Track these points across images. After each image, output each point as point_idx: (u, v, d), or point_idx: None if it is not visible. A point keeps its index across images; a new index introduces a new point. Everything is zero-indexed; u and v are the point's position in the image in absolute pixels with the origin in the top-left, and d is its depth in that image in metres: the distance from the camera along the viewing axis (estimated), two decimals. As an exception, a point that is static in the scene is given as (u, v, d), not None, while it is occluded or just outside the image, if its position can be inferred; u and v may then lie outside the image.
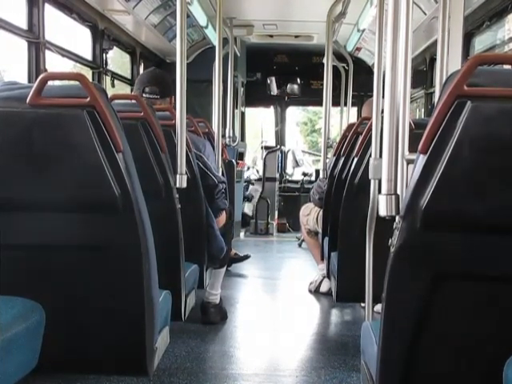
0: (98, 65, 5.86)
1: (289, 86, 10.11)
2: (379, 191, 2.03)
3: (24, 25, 4.33)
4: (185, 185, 3.15)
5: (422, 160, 1.74)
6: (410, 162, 1.92)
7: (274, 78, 10.15)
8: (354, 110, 9.84)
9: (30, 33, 4.34)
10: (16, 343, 1.92)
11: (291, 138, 12.81)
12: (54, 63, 4.86)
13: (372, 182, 2.94)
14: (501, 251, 1.79)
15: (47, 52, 4.53)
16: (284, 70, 10.29)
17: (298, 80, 10.14)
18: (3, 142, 2.10)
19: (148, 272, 2.24)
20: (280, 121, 10.75)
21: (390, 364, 1.94)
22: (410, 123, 2.02)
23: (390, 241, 1.86)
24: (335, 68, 6.96)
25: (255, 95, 10.27)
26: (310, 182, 9.48)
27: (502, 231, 1.77)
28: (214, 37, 7.03)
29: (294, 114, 17.86)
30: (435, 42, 3.24)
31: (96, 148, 2.07)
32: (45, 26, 4.44)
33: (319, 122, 18.80)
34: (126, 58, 7.18)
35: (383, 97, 2.05)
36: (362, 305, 4.35)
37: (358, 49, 8.57)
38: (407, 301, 1.86)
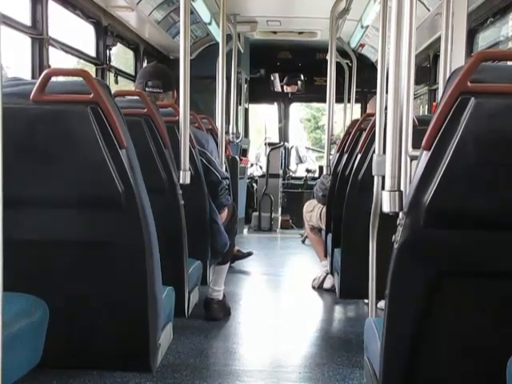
0: (101, 61, 5.87)
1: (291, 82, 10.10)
2: (383, 187, 2.03)
3: (28, 21, 4.33)
4: (188, 181, 3.15)
5: (425, 156, 1.74)
6: (413, 158, 1.92)
7: (277, 75, 10.14)
8: (358, 106, 9.84)
9: (33, 29, 4.35)
10: (19, 339, 1.92)
11: (295, 135, 12.82)
12: (58, 59, 4.87)
13: (375, 178, 2.94)
14: (504, 248, 1.79)
15: (51, 48, 4.53)
16: (287, 67, 10.28)
17: (302, 76, 10.14)
18: (7, 138, 2.09)
19: (151, 268, 2.25)
20: (283, 117, 10.73)
21: (393, 360, 1.94)
22: (413, 119, 2.02)
23: (393, 237, 1.86)
24: (339, 64, 6.95)
25: (259, 92, 10.27)
26: (314, 179, 9.46)
27: (506, 228, 1.77)
28: (217, 33, 7.04)
29: (298, 110, 17.89)
30: (439, 39, 3.24)
31: (99, 144, 2.08)
32: (48, 23, 4.44)
33: (323, 119, 18.81)
34: (130, 54, 7.19)
35: (387, 93, 2.05)
36: (366, 301, 4.35)
37: (362, 45, 8.56)
38: (410, 297, 1.86)
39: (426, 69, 6.97)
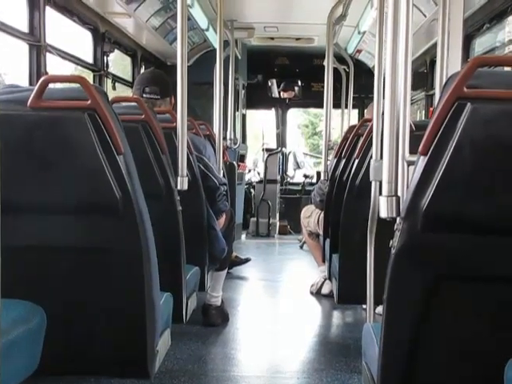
0: (99, 68, 5.87)
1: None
2: (380, 193, 2.03)
3: (25, 28, 4.33)
4: (186, 187, 3.15)
5: (422, 162, 1.74)
6: (410, 163, 1.92)
7: (274, 81, 10.16)
8: (355, 112, 9.85)
9: (31, 36, 4.35)
10: (17, 346, 1.92)
11: (292, 141, 12.84)
12: (55, 66, 4.87)
13: (373, 183, 2.94)
14: (501, 253, 1.79)
15: (48, 55, 4.54)
16: (285, 73, 10.30)
17: (299, 82, 10.15)
18: (4, 144, 2.10)
19: (149, 274, 2.25)
20: (281, 123, 10.76)
21: (391, 365, 1.94)
22: (410, 125, 2.03)
23: (390, 242, 1.86)
24: (336, 70, 6.96)
25: (256, 97, 10.29)
26: (311, 184, 9.48)
27: (503, 232, 1.78)
28: (214, 39, 7.04)
29: (295, 116, 17.90)
30: (435, 44, 3.25)
31: (97, 150, 2.08)
32: (46, 29, 4.45)
33: (320, 125, 18.80)
34: (127, 60, 7.20)
35: (384, 99, 2.06)
36: (364, 306, 4.35)
37: (359, 51, 8.58)
38: (408, 302, 1.86)
39: (423, 74, 6.98)
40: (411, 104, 2.25)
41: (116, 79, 6.42)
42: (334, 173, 4.36)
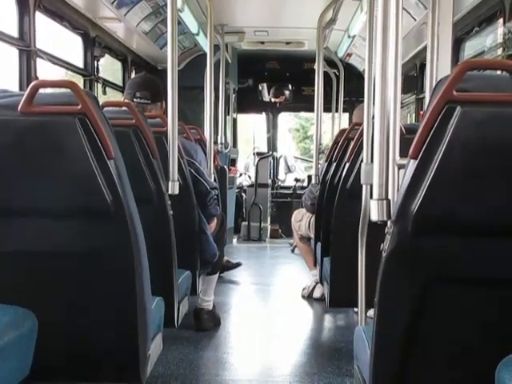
0: (89, 72, 5.86)
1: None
2: (371, 196, 2.03)
3: (15, 33, 4.32)
4: (177, 191, 3.15)
5: (412, 165, 1.75)
6: (401, 166, 1.92)
7: (265, 85, 10.17)
8: (346, 115, 9.86)
9: (20, 41, 4.33)
10: (8, 351, 1.91)
11: (283, 145, 12.84)
12: (46, 71, 4.86)
13: (364, 187, 2.94)
14: (492, 255, 1.80)
15: (38, 60, 4.52)
16: (275, 77, 10.31)
17: (290, 86, 10.17)
18: (-5, 149, 2.10)
19: (140, 278, 2.24)
20: (272, 127, 10.77)
21: (382, 368, 1.94)
22: (400, 128, 2.03)
23: (381, 246, 1.87)
24: (326, 74, 6.98)
25: (247, 101, 10.29)
26: (302, 188, 9.49)
27: (493, 235, 1.78)
28: (205, 44, 7.05)
29: (286, 120, 17.93)
30: (425, 48, 3.26)
31: (88, 155, 2.08)
32: (36, 34, 4.43)
33: (311, 129, 18.84)
34: (118, 65, 7.19)
35: (374, 102, 2.06)
36: (355, 310, 4.35)
37: (349, 55, 8.59)
38: (399, 305, 1.87)
39: (413, 78, 7.00)
40: (402, 107, 2.25)
41: (106, 84, 6.41)
42: (324, 176, 4.37)
